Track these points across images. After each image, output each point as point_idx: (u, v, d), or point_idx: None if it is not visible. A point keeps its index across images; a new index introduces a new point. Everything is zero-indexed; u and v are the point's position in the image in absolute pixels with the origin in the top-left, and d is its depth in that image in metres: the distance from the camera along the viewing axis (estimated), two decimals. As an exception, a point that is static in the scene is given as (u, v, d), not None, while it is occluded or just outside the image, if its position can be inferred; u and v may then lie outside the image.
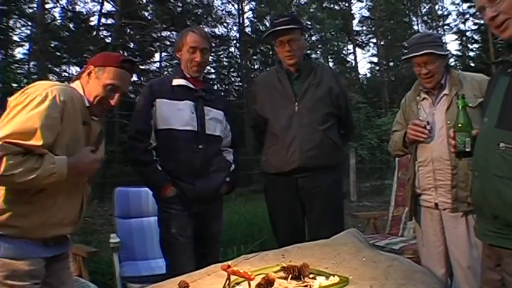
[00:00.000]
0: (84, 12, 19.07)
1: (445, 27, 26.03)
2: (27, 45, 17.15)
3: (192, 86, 2.73)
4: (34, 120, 1.80)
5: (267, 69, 22.20)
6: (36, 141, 1.80)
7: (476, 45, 24.56)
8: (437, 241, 2.63)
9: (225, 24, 23.21)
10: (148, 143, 2.64)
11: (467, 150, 1.87)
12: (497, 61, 1.92)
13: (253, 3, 24.04)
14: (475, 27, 23.85)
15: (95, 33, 17.40)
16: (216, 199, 2.79)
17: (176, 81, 2.73)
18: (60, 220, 1.97)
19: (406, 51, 2.70)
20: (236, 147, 2.99)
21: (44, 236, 1.94)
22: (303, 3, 22.45)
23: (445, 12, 26.94)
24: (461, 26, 25.20)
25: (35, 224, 1.89)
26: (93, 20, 18.44)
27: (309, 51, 13.37)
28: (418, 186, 2.67)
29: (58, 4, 17.42)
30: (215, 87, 21.23)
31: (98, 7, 17.48)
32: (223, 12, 23.14)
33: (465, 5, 24.37)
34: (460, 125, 1.93)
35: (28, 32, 16.43)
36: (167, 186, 2.63)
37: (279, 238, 2.98)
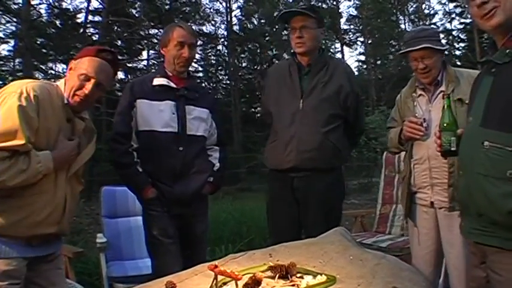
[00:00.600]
0: (71, 9, 18.89)
1: (432, 26, 26.22)
2: (12, 42, 17.06)
3: (173, 85, 2.68)
4: (13, 119, 1.80)
5: (255, 67, 22.13)
6: (19, 140, 1.80)
7: (462, 44, 24.84)
8: (429, 240, 2.61)
9: (212, 22, 23.20)
10: (129, 145, 2.61)
11: (452, 149, 1.87)
12: (481, 61, 1.95)
13: (241, 1, 24.07)
14: (461, 26, 24.15)
15: (81, 30, 17.21)
16: (198, 200, 2.73)
17: (157, 81, 2.67)
18: (42, 218, 1.95)
19: (404, 44, 2.64)
20: (223, 145, 2.93)
21: (24, 234, 1.92)
22: (291, 1, 22.49)
23: (432, 12, 27.14)
24: (448, 25, 25.41)
25: (12, 221, 1.87)
26: (80, 17, 18.30)
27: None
28: (413, 184, 2.64)
29: (44, 0, 17.23)
30: (203, 85, 21.21)
31: (85, 4, 17.39)
32: (211, 10, 23.11)
33: (451, 5, 24.58)
34: (445, 124, 1.93)
35: (13, 28, 16.21)
36: (147, 188, 2.60)
37: (274, 233, 2.93)
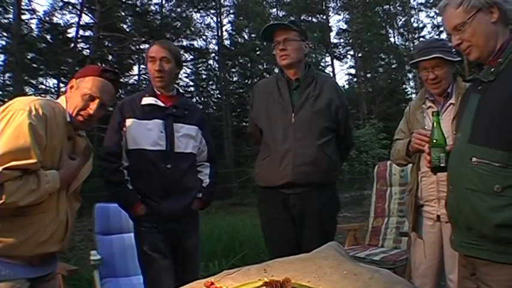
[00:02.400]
0: (62, 24, 18.96)
1: (421, 39, 26.51)
2: (2, 57, 16.96)
3: (161, 104, 2.70)
4: (25, 137, 1.78)
5: (246, 81, 22.20)
6: (32, 158, 1.79)
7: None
8: (432, 254, 2.60)
9: (203, 37, 23.31)
10: (120, 164, 2.64)
11: (442, 165, 1.90)
12: (468, 79, 2.03)
13: (232, 16, 24.27)
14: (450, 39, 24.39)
15: (72, 45, 17.23)
16: (188, 216, 2.73)
17: (145, 100, 2.69)
18: (47, 237, 1.92)
19: (415, 54, 2.62)
20: (213, 161, 2.93)
21: (29, 254, 1.88)
22: (281, 16, 22.70)
23: (421, 25, 27.62)
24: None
25: (17, 241, 1.83)
26: (71, 32, 18.31)
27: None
28: (420, 197, 2.62)
29: (35, 15, 17.27)
30: (194, 100, 21.20)
31: (76, 19, 17.34)
32: (202, 25, 23.29)
33: (439, 18, 24.74)
34: (434, 141, 1.96)
35: (3, 43, 16.14)
36: (137, 205, 2.62)
37: (272, 253, 2.79)
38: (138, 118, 2.66)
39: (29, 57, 16.97)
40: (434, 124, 2.01)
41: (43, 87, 19.31)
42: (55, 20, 19.27)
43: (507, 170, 1.61)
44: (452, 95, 2.53)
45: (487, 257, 1.68)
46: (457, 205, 1.77)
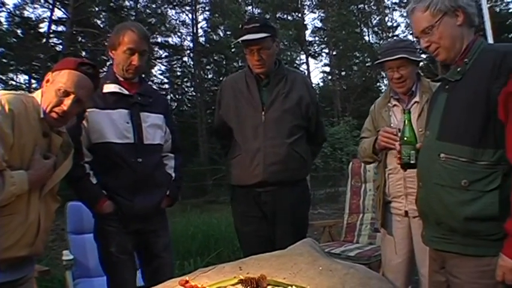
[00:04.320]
0: (33, 18, 18.59)
1: (395, 38, 26.89)
2: (-30, 51, 16.51)
3: (125, 91, 2.49)
4: None
5: (221, 79, 22.13)
6: None
7: (424, 56, 25.46)
8: (403, 249, 2.64)
9: (178, 33, 23.17)
10: (80, 159, 2.39)
11: (412, 162, 1.97)
12: (436, 79, 2.11)
13: (207, 13, 24.17)
14: (423, 38, 24.77)
15: (44, 40, 16.92)
16: (156, 215, 2.59)
17: (107, 88, 2.46)
18: (14, 241, 1.81)
19: (381, 53, 2.69)
20: (178, 151, 2.77)
21: None
22: (256, 13, 22.69)
23: (395, 24, 27.98)
24: (410, 37, 26.07)
25: None
26: (43, 27, 18.01)
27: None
28: (388, 193, 2.66)
29: (4, 8, 16.87)
30: (168, 97, 21.03)
31: (48, 13, 17.07)
32: (177, 21, 23.12)
33: (412, 18, 25.24)
34: (405, 138, 2.02)
35: (-29, 37, 15.80)
36: (102, 201, 2.42)
37: (246, 250, 2.78)
38: (100, 108, 2.43)
39: (-2, 52, 16.57)
40: (406, 122, 2.08)
41: (13, 83, 18.87)
42: (26, 13, 18.86)
43: (473, 165, 1.68)
44: (417, 94, 2.60)
45: (456, 250, 1.76)
46: (427, 200, 1.85)
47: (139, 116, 2.50)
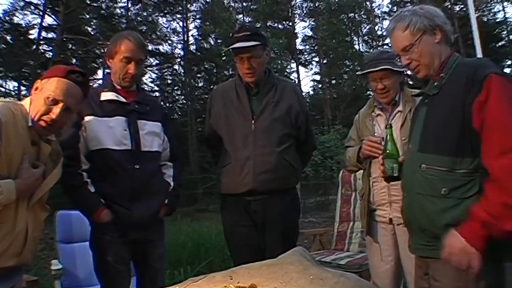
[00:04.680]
0: (23, 25, 18.51)
1: (385, 46, 27.03)
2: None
3: (123, 99, 2.51)
4: None
5: (211, 87, 22.15)
6: None
7: None
8: (389, 256, 2.67)
9: (169, 41, 23.18)
10: (78, 167, 2.41)
11: (395, 175, 2.05)
12: (416, 94, 2.24)
13: (198, 21, 24.23)
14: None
15: (34, 47, 16.83)
16: (154, 224, 2.59)
17: (105, 96, 2.49)
18: (1, 251, 1.78)
19: (365, 65, 2.73)
20: (176, 160, 2.78)
21: None
22: (247, 21, 22.78)
23: (384, 33, 28.09)
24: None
25: None
26: (33, 33, 17.94)
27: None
28: (372, 201, 2.69)
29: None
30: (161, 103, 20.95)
31: (39, 20, 17.00)
32: (168, 29, 23.16)
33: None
34: (388, 151, 2.10)
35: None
36: (100, 209, 2.41)
37: (236, 259, 2.77)
38: (97, 115, 2.44)
39: (-14, 58, 16.47)
40: (388, 137, 2.15)
41: (2, 89, 18.78)
42: (16, 20, 18.78)
43: (452, 173, 1.76)
44: (400, 103, 2.65)
45: (438, 256, 1.79)
46: (410, 209, 1.92)
47: (137, 124, 2.52)
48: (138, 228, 2.48)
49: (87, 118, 2.43)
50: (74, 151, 2.40)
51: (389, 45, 2.19)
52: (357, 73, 3.03)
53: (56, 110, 1.91)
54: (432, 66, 1.90)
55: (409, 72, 2.36)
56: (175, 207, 2.74)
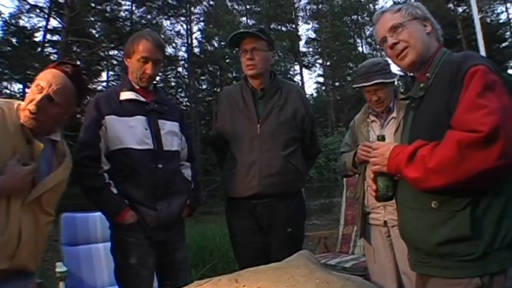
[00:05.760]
0: (29, 27, 18.57)
1: (371, 58, 27.00)
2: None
3: (142, 99, 2.48)
4: None
5: (215, 89, 22.10)
6: None
7: (399, 72, 25.73)
8: (387, 257, 2.70)
9: (173, 44, 23.22)
10: (99, 167, 2.36)
11: (390, 194, 1.81)
12: (404, 97, 2.12)
13: (202, 23, 24.26)
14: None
15: (39, 49, 16.89)
16: (178, 224, 2.56)
17: (124, 95, 2.46)
18: None
19: (357, 77, 2.80)
20: (193, 160, 2.78)
21: None
22: (251, 24, 22.80)
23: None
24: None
25: None
26: (38, 36, 17.98)
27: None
28: (367, 205, 2.75)
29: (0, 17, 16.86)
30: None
31: (44, 23, 17.06)
32: (172, 32, 23.20)
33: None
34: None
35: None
36: (125, 211, 2.35)
37: (241, 262, 2.77)
38: (117, 115, 2.41)
39: (-8, 60, 16.52)
40: None
41: (7, 91, 18.84)
42: (21, 23, 18.84)
43: None
44: (394, 110, 2.73)
45: (436, 274, 1.66)
46: (403, 225, 1.79)
47: (157, 123, 2.50)
48: (163, 229, 2.43)
49: (107, 117, 2.40)
50: (94, 151, 2.36)
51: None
52: (352, 86, 3.10)
53: (38, 96, 1.86)
54: (421, 54, 1.73)
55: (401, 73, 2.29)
56: (196, 207, 2.73)
